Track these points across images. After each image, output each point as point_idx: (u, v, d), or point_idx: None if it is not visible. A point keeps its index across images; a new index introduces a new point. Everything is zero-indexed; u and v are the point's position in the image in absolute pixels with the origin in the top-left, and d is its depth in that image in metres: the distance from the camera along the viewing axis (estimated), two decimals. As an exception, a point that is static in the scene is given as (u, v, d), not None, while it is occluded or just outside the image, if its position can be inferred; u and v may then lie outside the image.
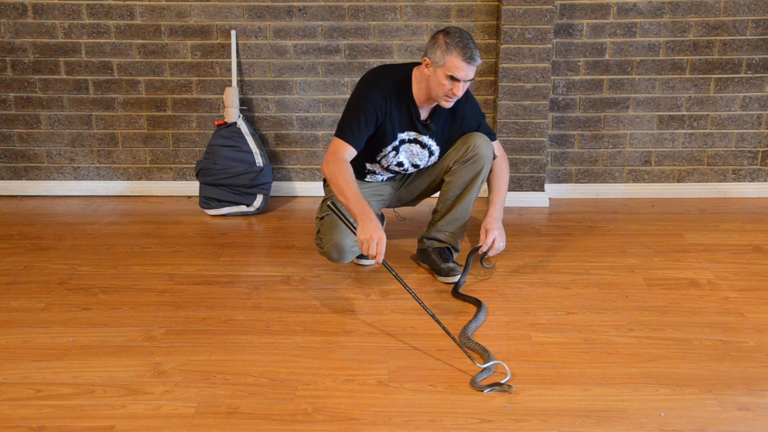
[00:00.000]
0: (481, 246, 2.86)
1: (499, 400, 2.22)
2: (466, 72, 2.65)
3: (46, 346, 2.53)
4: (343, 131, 2.76)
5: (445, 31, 2.69)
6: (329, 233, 2.83)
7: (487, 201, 2.97)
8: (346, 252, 2.82)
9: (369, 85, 2.81)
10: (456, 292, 2.85)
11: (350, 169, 2.71)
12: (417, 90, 2.79)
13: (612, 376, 2.34)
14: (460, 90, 2.67)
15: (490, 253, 2.86)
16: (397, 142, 2.88)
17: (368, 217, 2.58)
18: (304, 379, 2.33)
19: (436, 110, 2.86)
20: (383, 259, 2.56)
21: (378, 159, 2.93)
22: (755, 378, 2.32)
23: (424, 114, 2.86)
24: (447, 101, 2.73)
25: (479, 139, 2.88)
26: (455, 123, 2.91)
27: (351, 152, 2.75)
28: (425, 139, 2.89)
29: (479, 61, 2.68)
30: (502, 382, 2.27)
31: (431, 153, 2.94)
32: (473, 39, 2.70)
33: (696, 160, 3.83)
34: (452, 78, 2.65)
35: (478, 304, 2.72)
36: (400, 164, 2.95)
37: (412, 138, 2.89)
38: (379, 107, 2.77)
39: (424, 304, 2.52)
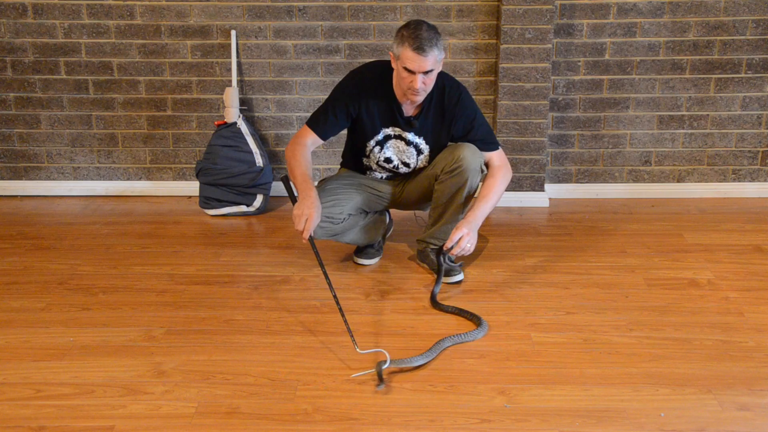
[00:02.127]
0: (445, 243, 2.83)
1: (499, 400, 2.22)
2: (419, 63, 2.62)
3: (46, 346, 2.53)
4: (311, 119, 2.88)
5: (406, 24, 2.69)
6: None
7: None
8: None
9: (347, 79, 2.89)
10: (434, 301, 2.77)
11: (304, 152, 2.82)
12: (396, 85, 2.81)
13: (612, 376, 2.34)
14: (418, 82, 2.65)
15: (455, 251, 2.80)
16: (380, 137, 2.89)
17: (307, 195, 2.70)
18: (304, 379, 2.33)
19: (423, 108, 2.85)
20: (310, 236, 2.67)
21: (367, 154, 2.96)
22: (755, 378, 2.32)
23: (409, 111, 2.86)
24: (412, 95, 2.71)
25: (466, 151, 2.84)
26: (444, 123, 2.88)
27: (314, 139, 2.86)
28: (409, 136, 2.89)
29: (432, 52, 2.62)
30: (384, 367, 2.29)
31: (419, 151, 2.93)
32: (434, 30, 2.65)
33: (696, 160, 3.83)
34: (408, 70, 2.65)
35: (477, 320, 2.63)
36: (388, 160, 2.95)
37: (396, 134, 2.89)
38: (351, 100, 2.82)
39: (332, 286, 2.62)
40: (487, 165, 2.93)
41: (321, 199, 2.82)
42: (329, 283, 2.62)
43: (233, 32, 3.68)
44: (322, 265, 2.67)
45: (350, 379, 2.33)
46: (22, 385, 2.32)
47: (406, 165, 2.98)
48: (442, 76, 2.86)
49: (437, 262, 2.90)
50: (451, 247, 2.81)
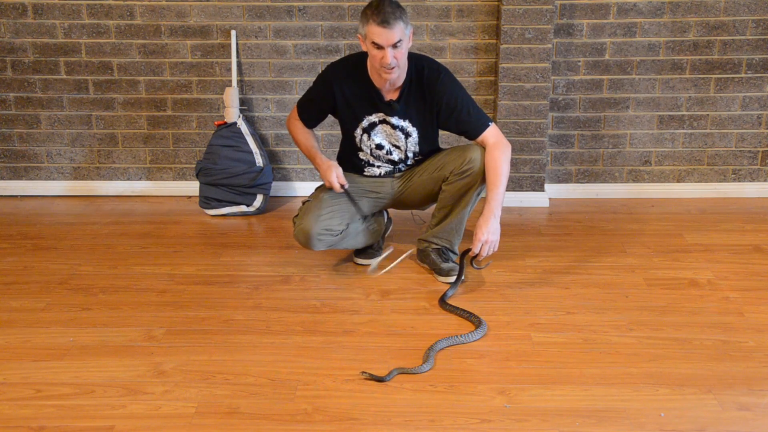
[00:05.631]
0: (471, 249, 2.81)
1: (499, 400, 2.22)
2: (387, 36, 2.63)
3: (46, 346, 2.53)
4: (300, 103, 3.02)
5: (368, 3, 2.71)
6: (302, 217, 2.90)
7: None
8: (312, 238, 2.87)
9: (323, 71, 2.96)
10: (443, 302, 2.77)
11: (302, 127, 3.02)
12: (370, 71, 2.82)
13: (612, 376, 2.34)
14: (389, 57, 2.66)
15: (481, 256, 2.80)
16: (365, 124, 2.91)
17: (319, 165, 2.94)
18: (304, 379, 2.33)
19: (403, 91, 2.85)
20: (344, 187, 2.90)
21: (359, 145, 2.97)
22: (755, 378, 2.32)
23: (389, 95, 2.87)
24: (386, 73, 2.72)
25: (476, 153, 2.84)
26: (426, 104, 2.87)
27: (301, 119, 3.03)
28: (394, 120, 2.89)
29: (398, 23, 2.63)
30: None
31: (407, 134, 2.92)
32: (397, 4, 2.67)
33: (696, 160, 3.83)
34: (377, 46, 2.66)
35: (476, 321, 2.62)
36: (379, 146, 2.96)
37: (381, 119, 2.90)
38: (326, 88, 2.90)
39: (360, 209, 2.97)
40: (482, 144, 2.87)
41: (318, 210, 2.88)
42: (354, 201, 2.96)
43: (233, 32, 3.68)
44: (357, 206, 2.95)
45: (350, 379, 2.33)
46: (22, 385, 2.32)
47: (397, 147, 2.97)
48: (421, 58, 2.87)
49: (460, 265, 2.88)
50: (477, 253, 2.78)
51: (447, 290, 2.82)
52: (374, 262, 2.97)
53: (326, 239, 2.90)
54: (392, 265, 2.78)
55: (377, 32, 2.63)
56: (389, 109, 2.87)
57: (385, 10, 2.63)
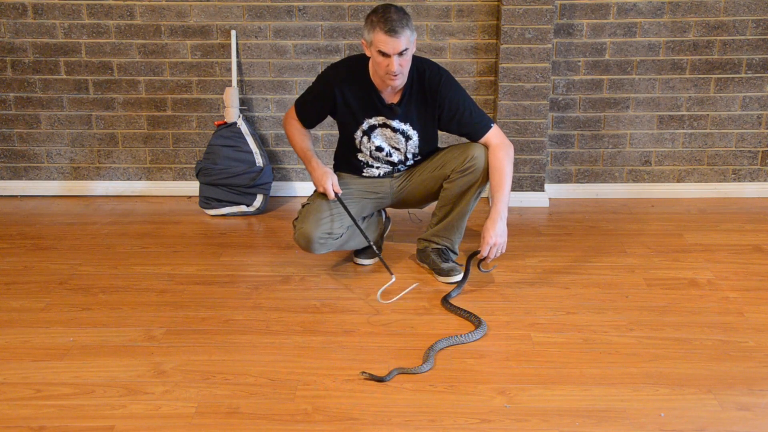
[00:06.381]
0: (479, 252, 2.81)
1: (499, 400, 2.22)
2: (393, 45, 2.63)
3: (46, 346, 2.53)
4: (298, 103, 2.99)
5: (374, 10, 2.70)
6: (303, 221, 2.89)
7: (488, 199, 2.95)
8: (314, 242, 2.85)
9: (324, 72, 2.95)
10: (445, 302, 2.77)
11: (298, 127, 2.99)
12: (373, 74, 2.82)
13: (612, 376, 2.34)
14: (395, 65, 2.66)
15: (489, 259, 2.80)
16: (365, 127, 2.90)
17: (313, 169, 2.91)
18: (304, 379, 2.33)
19: (405, 94, 2.85)
20: (336, 194, 2.88)
21: (359, 147, 2.96)
22: (755, 378, 2.32)
23: (390, 98, 2.86)
24: (390, 79, 2.72)
25: (477, 151, 2.85)
26: (428, 107, 2.87)
27: (299, 119, 3.00)
28: (395, 123, 2.89)
29: (404, 32, 2.63)
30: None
31: (407, 137, 2.92)
32: (403, 11, 2.67)
33: (696, 160, 3.83)
34: (383, 53, 2.66)
35: (476, 321, 2.62)
36: (379, 149, 2.95)
37: (381, 123, 2.90)
38: (326, 90, 2.88)
39: (369, 239, 2.92)
40: (485, 146, 2.88)
41: (319, 214, 2.87)
42: (361, 230, 2.89)
43: (233, 32, 3.68)
44: (352, 217, 2.87)
45: (350, 379, 2.33)
46: (22, 385, 2.32)
47: (397, 150, 2.96)
48: (422, 61, 2.87)
49: (466, 267, 2.88)
50: (486, 255, 2.77)
51: (451, 291, 2.83)
52: (379, 292, 2.76)
53: (328, 243, 2.89)
54: (398, 297, 2.73)
55: (384, 41, 2.63)
56: (390, 112, 2.87)
57: (392, 17, 2.62)
